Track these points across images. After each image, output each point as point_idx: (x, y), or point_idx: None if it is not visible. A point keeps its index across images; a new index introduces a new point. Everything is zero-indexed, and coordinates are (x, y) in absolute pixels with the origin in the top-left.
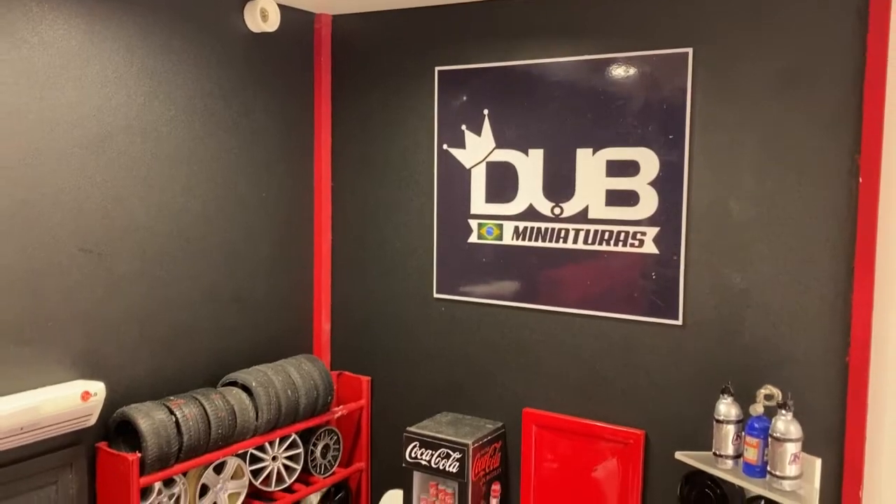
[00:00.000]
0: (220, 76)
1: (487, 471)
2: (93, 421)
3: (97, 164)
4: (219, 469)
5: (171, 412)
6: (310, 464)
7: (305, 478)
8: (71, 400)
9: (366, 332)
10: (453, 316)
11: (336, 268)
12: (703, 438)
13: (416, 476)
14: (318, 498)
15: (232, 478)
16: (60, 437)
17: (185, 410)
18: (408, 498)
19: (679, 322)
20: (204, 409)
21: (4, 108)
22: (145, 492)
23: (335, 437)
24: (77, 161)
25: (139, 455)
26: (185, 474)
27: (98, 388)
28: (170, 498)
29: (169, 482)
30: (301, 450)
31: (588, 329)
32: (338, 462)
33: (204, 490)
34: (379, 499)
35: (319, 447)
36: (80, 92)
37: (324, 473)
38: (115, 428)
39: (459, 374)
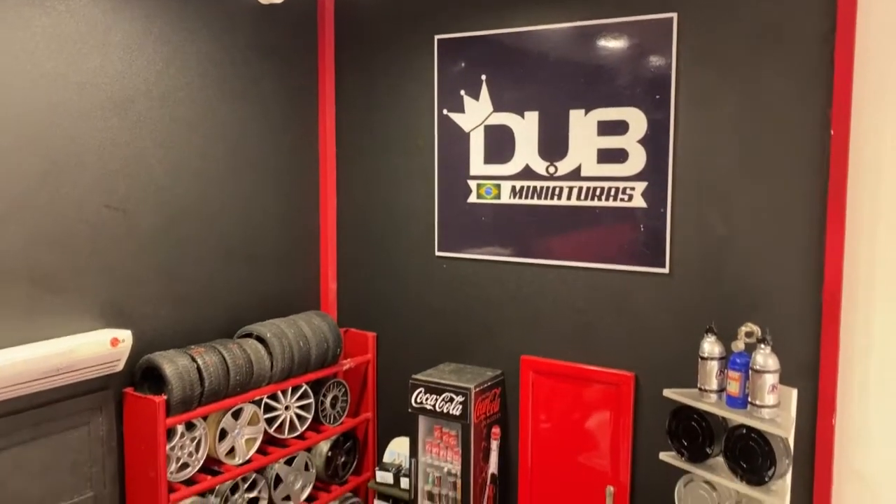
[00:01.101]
0: (231, 46)
1: (488, 415)
2: (120, 367)
3: (120, 125)
4: (236, 415)
5: (193, 359)
6: (320, 414)
7: (316, 426)
8: (101, 346)
9: (371, 291)
10: (454, 273)
11: (341, 229)
12: (689, 377)
13: (422, 421)
14: (329, 446)
15: (248, 424)
16: (91, 382)
17: (206, 358)
18: (413, 442)
19: (666, 270)
20: (223, 357)
21: (35, 71)
22: (169, 434)
23: (343, 389)
24: (102, 123)
25: (165, 398)
26: (205, 419)
27: (126, 336)
28: (191, 441)
29: (190, 426)
30: (312, 400)
31: (581, 280)
32: (346, 413)
33: (223, 434)
34: (385, 447)
35: (329, 398)
36: (103, 58)
37: (333, 423)
38: (140, 375)
39: (461, 327)
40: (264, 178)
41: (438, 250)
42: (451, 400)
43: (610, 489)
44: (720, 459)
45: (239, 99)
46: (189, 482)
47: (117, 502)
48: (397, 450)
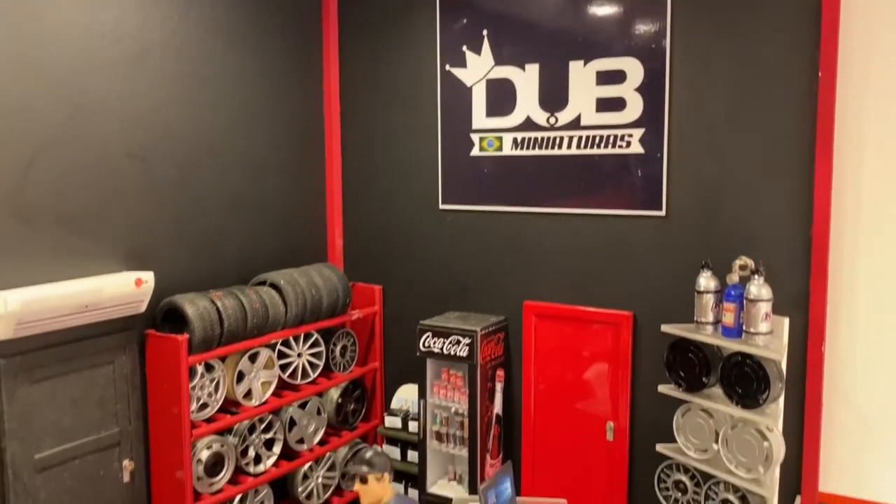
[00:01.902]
0: (240, 3)
1: (493, 357)
2: (143, 308)
3: (139, 76)
4: (253, 358)
5: (213, 302)
6: (330, 362)
7: (327, 374)
8: (126, 286)
9: (376, 245)
10: (458, 224)
11: (347, 185)
12: (685, 314)
13: (429, 364)
14: (339, 393)
15: (264, 368)
16: (116, 322)
17: (225, 301)
18: (422, 385)
19: (662, 213)
20: (241, 301)
21: (57, 22)
22: (189, 375)
23: (352, 340)
24: (121, 73)
25: (187, 337)
26: (223, 361)
27: (148, 277)
28: (210, 382)
29: (209, 367)
30: (322, 348)
31: (581, 226)
32: (355, 362)
33: (240, 377)
34: (393, 395)
35: (338, 347)
36: (122, 10)
37: (343, 371)
38: (161, 317)
39: (464, 277)
40: (272, 132)
41: (442, 203)
42: (458, 342)
43: (610, 424)
44: (716, 390)
45: (248, 55)
46: (209, 420)
47: (141, 438)
48: (404, 396)
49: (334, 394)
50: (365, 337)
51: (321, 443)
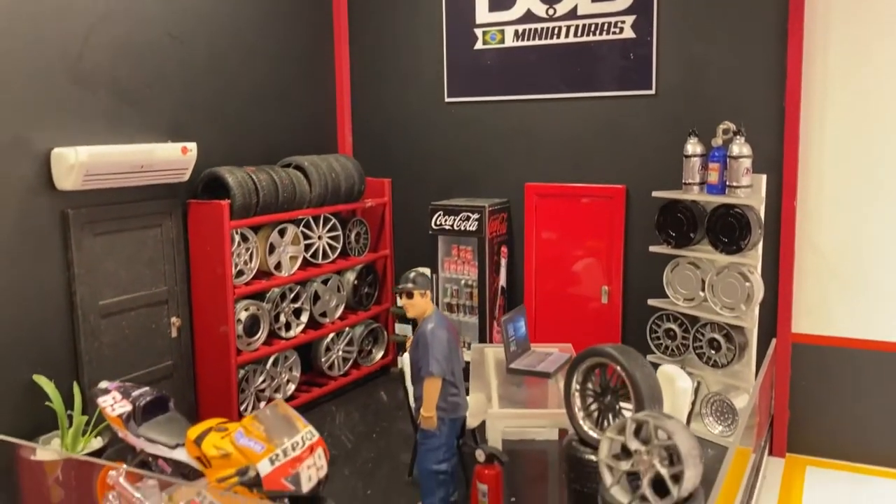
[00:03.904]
0: None
1: (498, 234)
2: (187, 176)
3: None
4: (282, 233)
5: (249, 175)
6: (346, 247)
7: (344, 257)
8: (174, 152)
9: (385, 140)
10: (463, 116)
11: (355, 83)
12: (674, 181)
13: (441, 241)
14: (354, 276)
15: (291, 243)
16: (162, 189)
17: (259, 175)
18: (433, 261)
19: (653, 91)
20: (272, 176)
21: None
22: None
23: (364, 228)
24: None
25: (229, 202)
26: (256, 233)
27: (193, 147)
28: (246, 250)
29: (245, 238)
30: (340, 232)
31: (578, 110)
32: (367, 248)
33: (271, 249)
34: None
35: (353, 234)
36: None
37: (358, 255)
38: (201, 187)
39: (469, 165)
40: (286, 27)
41: (448, 96)
42: (468, 218)
43: (605, 288)
44: (701, 245)
45: None
46: (247, 285)
47: (186, 297)
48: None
49: (350, 276)
50: (376, 226)
51: (341, 318)
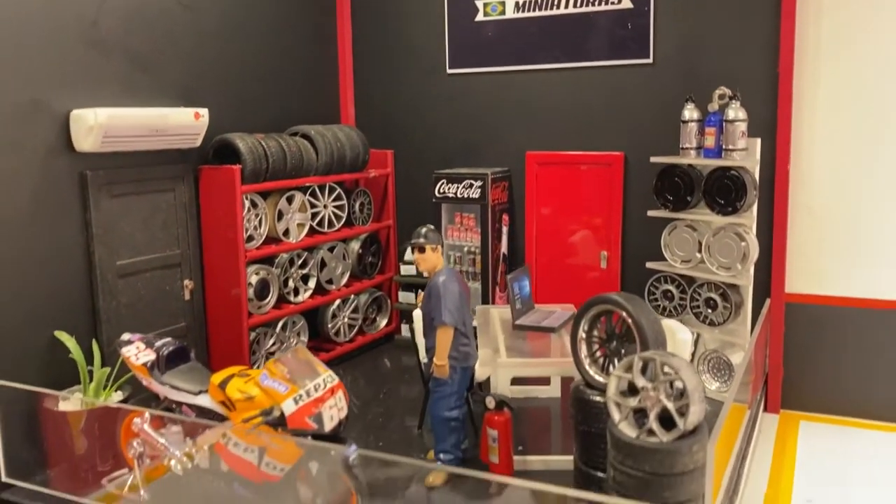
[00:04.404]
0: None
1: (499, 202)
2: (199, 142)
3: None
4: (290, 200)
5: (258, 141)
6: (351, 216)
7: (349, 226)
8: (187, 117)
9: (387, 112)
10: (465, 87)
11: (357, 56)
12: (671, 147)
13: (444, 209)
14: (359, 245)
15: (299, 211)
16: (175, 154)
17: (268, 142)
18: (437, 228)
19: (650, 60)
20: (280, 143)
21: None
22: None
23: (368, 198)
24: None
25: (240, 167)
26: (265, 199)
27: (205, 112)
28: (255, 216)
29: (254, 204)
30: (345, 202)
31: (578, 79)
32: (371, 218)
33: (280, 216)
34: (405, 249)
35: (357, 203)
36: None
37: (362, 224)
38: (212, 153)
39: (470, 135)
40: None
41: (449, 68)
42: (471, 186)
43: (604, 253)
44: (698, 209)
45: None
46: (257, 249)
47: (198, 261)
48: None
49: (355, 245)
50: (379, 197)
51: (346, 285)
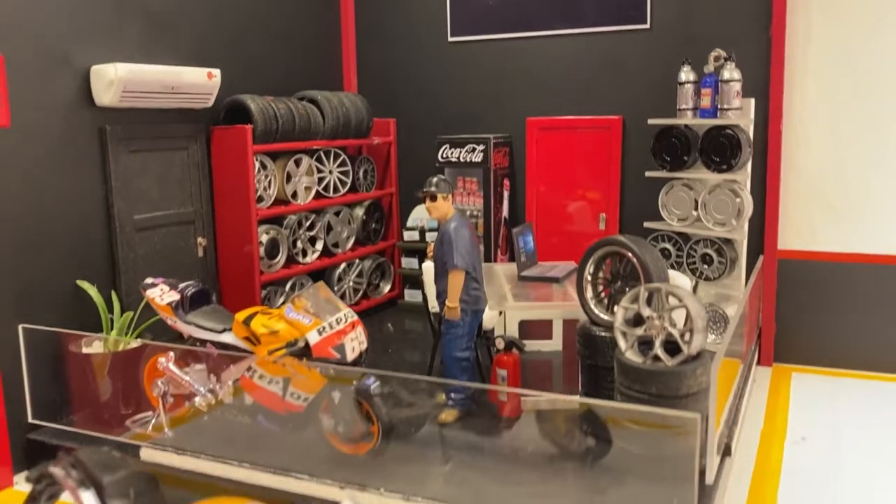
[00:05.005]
0: None
1: (501, 167)
2: (211, 102)
3: None
4: (298, 163)
5: (269, 103)
6: (355, 182)
7: (353, 192)
8: (201, 76)
9: (389, 81)
10: (466, 54)
11: (359, 25)
12: (668, 110)
13: (447, 173)
14: (363, 211)
15: (306, 174)
16: (188, 114)
17: (278, 104)
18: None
19: (647, 26)
20: (289, 106)
21: None
22: None
23: (371, 165)
24: None
25: (251, 127)
26: (275, 161)
27: (217, 73)
28: (265, 177)
29: (264, 165)
30: (349, 168)
31: (577, 45)
32: (374, 185)
33: (288, 178)
34: (407, 217)
35: (361, 170)
36: None
37: (366, 191)
38: (224, 114)
39: (472, 103)
40: None
41: (451, 36)
42: (473, 150)
43: (602, 215)
44: (694, 169)
45: None
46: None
47: (210, 219)
48: (418, 216)
49: (359, 211)
50: (382, 165)
51: (351, 249)
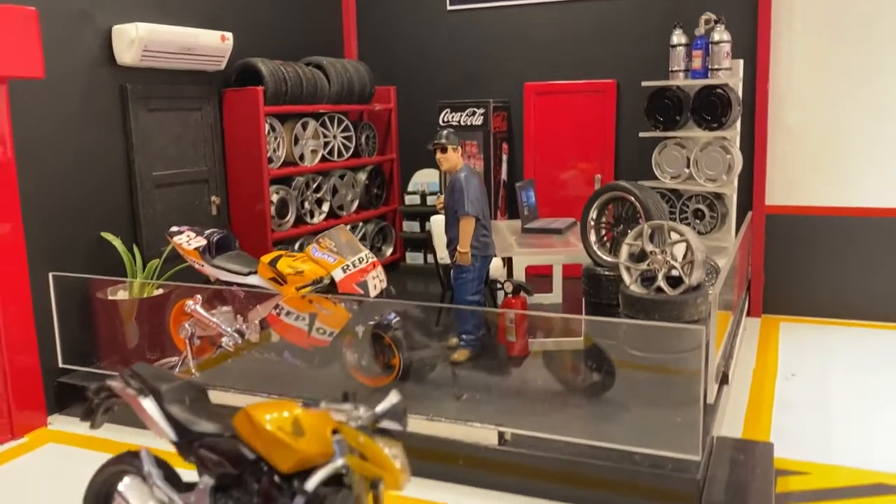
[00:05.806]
0: None
1: (500, 130)
2: (223, 65)
3: None
4: (304, 126)
5: (279, 66)
6: (358, 148)
7: (356, 157)
8: (214, 38)
9: (389, 49)
10: (464, 22)
11: None
12: (660, 73)
13: None
14: (365, 176)
15: (312, 138)
16: (202, 76)
17: (286, 67)
18: None
19: None
20: (297, 69)
21: None
22: None
23: (373, 132)
24: None
25: (262, 89)
26: (283, 124)
27: (230, 36)
28: (274, 139)
29: (273, 128)
30: (352, 133)
31: (573, 11)
32: (376, 151)
33: (296, 140)
34: (408, 182)
35: (363, 136)
36: None
37: (368, 156)
38: (235, 77)
39: (470, 70)
40: None
41: (450, 4)
42: (474, 113)
43: (598, 176)
44: (686, 128)
45: None
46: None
47: (223, 179)
48: (419, 180)
49: (362, 176)
50: (382, 131)
51: (356, 212)
